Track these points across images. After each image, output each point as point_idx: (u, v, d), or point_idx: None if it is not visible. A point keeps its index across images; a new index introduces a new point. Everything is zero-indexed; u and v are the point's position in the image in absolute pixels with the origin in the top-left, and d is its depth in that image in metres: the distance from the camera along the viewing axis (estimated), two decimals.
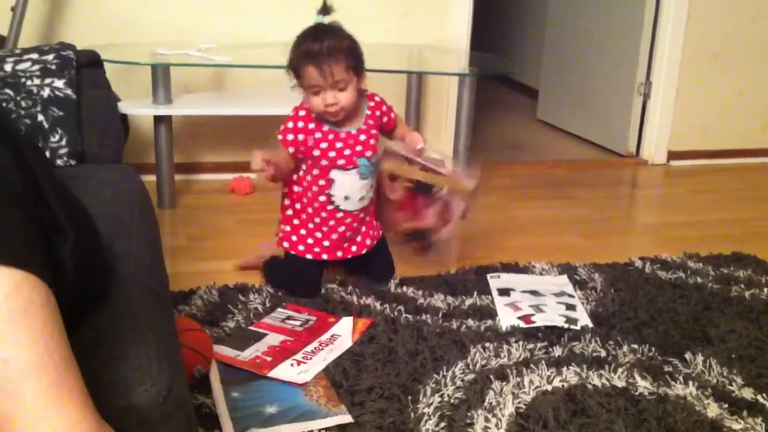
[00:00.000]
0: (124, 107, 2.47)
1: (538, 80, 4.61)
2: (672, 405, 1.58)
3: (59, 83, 1.93)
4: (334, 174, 2.00)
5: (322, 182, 2.01)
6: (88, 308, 1.05)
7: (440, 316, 1.95)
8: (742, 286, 2.21)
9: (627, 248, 2.56)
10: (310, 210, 2.04)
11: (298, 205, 2.06)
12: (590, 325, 1.94)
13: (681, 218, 2.98)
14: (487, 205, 2.99)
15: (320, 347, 1.77)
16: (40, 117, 1.87)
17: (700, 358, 1.77)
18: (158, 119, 2.72)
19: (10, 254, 0.78)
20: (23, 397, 0.75)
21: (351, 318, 1.90)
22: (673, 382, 1.68)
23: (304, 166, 2.02)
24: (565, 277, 2.24)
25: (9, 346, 0.76)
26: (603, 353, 1.80)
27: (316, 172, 2.00)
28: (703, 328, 1.92)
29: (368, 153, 2.02)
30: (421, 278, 2.18)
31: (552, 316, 1.97)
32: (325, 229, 2.05)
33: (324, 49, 1.85)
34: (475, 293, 2.09)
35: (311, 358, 1.72)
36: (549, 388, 1.63)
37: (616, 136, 3.87)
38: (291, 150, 1.98)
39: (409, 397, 1.57)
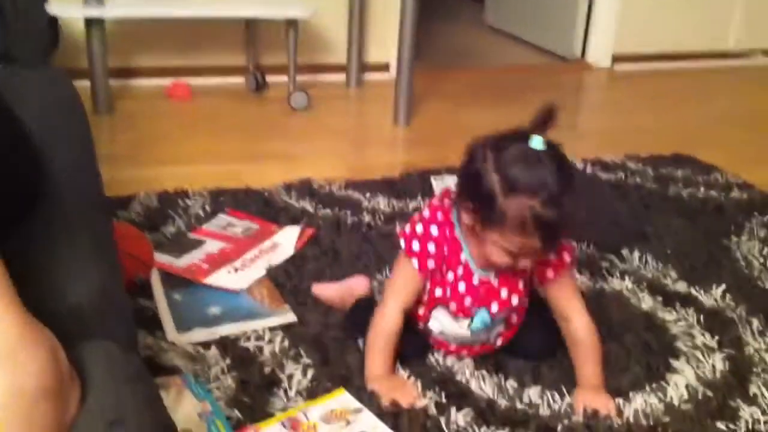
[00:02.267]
0: (52, 8, 2.35)
1: None
2: (607, 299, 1.62)
3: None
4: (436, 313, 1.40)
5: (420, 310, 1.41)
6: (18, 218, 1.01)
7: (384, 218, 1.95)
8: (680, 185, 2.26)
9: (570, 151, 2.57)
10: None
11: None
12: None
13: (623, 122, 3.01)
14: (433, 110, 2.98)
15: (260, 255, 1.74)
16: None
17: (636, 255, 1.82)
18: (90, 21, 2.59)
19: None
20: None
21: (296, 227, 1.85)
22: (609, 278, 1.72)
23: None
24: None
25: None
26: None
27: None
28: (642, 226, 1.97)
29: (494, 305, 1.36)
30: (365, 182, 2.16)
31: None
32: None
33: (557, 217, 1.22)
34: (419, 195, 2.09)
35: (250, 266, 1.69)
36: None
37: (562, 40, 3.85)
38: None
39: None
